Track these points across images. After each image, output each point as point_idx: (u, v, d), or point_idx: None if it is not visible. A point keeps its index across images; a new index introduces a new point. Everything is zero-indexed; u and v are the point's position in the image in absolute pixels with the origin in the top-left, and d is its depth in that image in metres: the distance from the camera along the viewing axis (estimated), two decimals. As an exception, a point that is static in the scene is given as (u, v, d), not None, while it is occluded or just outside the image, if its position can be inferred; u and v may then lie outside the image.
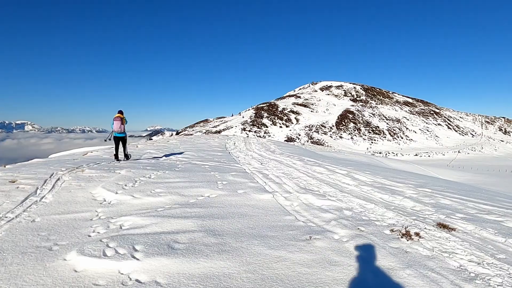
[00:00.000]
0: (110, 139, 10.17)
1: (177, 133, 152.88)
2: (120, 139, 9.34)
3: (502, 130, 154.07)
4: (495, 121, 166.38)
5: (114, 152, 9.24)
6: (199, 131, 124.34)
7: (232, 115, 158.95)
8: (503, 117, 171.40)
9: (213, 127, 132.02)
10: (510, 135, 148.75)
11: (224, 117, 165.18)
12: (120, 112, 9.34)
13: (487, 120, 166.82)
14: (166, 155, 11.07)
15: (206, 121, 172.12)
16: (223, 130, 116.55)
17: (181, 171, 7.29)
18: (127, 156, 9.49)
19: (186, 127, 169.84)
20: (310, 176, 7.62)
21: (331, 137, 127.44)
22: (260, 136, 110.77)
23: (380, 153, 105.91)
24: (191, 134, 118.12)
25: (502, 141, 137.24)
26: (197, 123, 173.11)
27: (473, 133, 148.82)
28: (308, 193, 5.49)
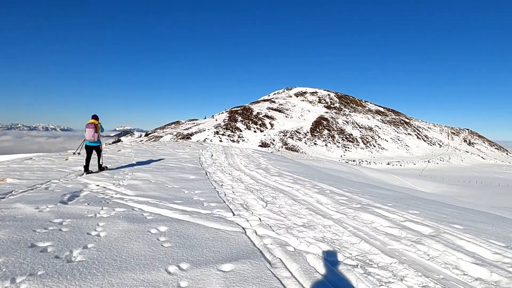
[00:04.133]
0: (79, 153, 10.03)
1: (147, 134, 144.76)
2: (93, 149, 8.36)
3: (466, 141, 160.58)
4: (460, 132, 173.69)
5: (85, 163, 8.07)
6: (170, 133, 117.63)
7: (205, 118, 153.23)
8: (467, 129, 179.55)
9: (184, 129, 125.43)
10: (474, 146, 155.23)
11: (196, 120, 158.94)
12: (95, 117, 8.38)
13: (453, 131, 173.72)
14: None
15: (177, 123, 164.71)
16: (195, 133, 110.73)
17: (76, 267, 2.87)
18: (101, 168, 8.52)
19: (156, 129, 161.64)
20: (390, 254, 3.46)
21: (306, 144, 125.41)
22: (234, 141, 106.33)
23: (353, 161, 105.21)
24: (161, 136, 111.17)
25: (467, 152, 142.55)
26: (168, 124, 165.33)
27: (441, 143, 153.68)
28: None
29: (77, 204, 4.48)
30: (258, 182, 8.14)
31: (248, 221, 4.42)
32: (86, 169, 8.00)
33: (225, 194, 6.23)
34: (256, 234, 3.87)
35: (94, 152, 8.41)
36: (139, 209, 4.51)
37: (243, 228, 4.02)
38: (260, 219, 4.63)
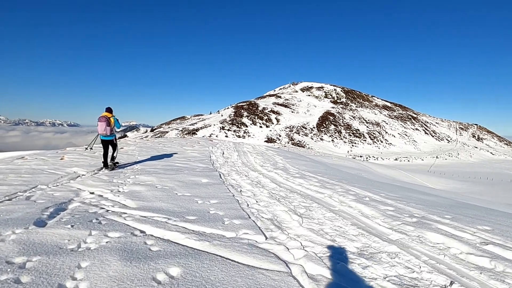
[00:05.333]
0: (91, 148, 10.12)
1: (152, 130, 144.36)
2: (107, 143, 7.96)
3: (475, 136, 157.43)
4: (469, 127, 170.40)
5: (102, 159, 7.84)
6: (176, 129, 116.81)
7: (211, 113, 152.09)
8: (475, 124, 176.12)
9: (190, 124, 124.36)
10: (482, 142, 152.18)
11: (202, 115, 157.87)
12: (108, 110, 7.94)
13: (461, 126, 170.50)
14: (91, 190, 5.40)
15: (183, 118, 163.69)
16: (201, 128, 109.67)
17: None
18: (113, 164, 8.03)
19: (162, 124, 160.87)
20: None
21: (312, 139, 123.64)
22: (239, 136, 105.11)
23: (360, 156, 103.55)
24: (167, 132, 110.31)
25: (476, 147, 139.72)
26: (173, 120, 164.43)
27: (449, 139, 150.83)
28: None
29: (58, 225, 3.34)
30: (281, 187, 6.96)
31: (288, 249, 3.25)
32: (105, 165, 7.78)
33: (248, 205, 5.06)
34: (307, 275, 2.70)
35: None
36: (141, 232, 3.36)
37: (286, 264, 2.85)
38: (301, 244, 3.46)
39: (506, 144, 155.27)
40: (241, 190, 6.21)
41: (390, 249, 3.55)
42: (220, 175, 7.81)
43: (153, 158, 10.30)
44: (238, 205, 4.93)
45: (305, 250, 3.28)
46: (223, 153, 12.77)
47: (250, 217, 4.31)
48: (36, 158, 8.86)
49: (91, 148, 10.88)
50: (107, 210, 4.20)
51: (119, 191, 5.43)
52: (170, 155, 11.18)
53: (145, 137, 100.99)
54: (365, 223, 4.57)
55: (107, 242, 2.97)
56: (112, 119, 7.85)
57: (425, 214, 5.18)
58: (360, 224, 4.50)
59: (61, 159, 8.78)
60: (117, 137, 8.47)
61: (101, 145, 8.14)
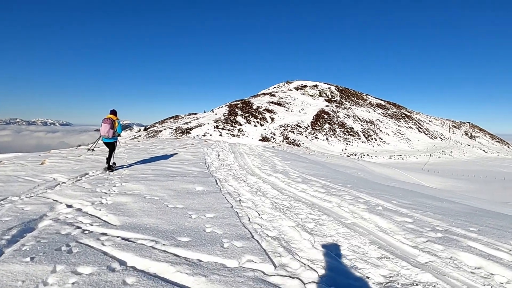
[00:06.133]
0: (93, 149, 10.06)
1: (146, 129, 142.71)
2: (108, 145, 7.81)
3: (468, 134, 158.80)
4: (461, 125, 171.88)
5: (106, 161, 7.78)
6: (169, 128, 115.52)
7: (205, 112, 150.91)
8: (468, 122, 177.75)
9: (184, 123, 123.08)
10: (475, 140, 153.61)
11: (195, 114, 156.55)
12: (113, 112, 7.84)
13: (454, 124, 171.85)
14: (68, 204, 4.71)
15: (176, 117, 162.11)
16: (195, 127, 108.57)
17: None
18: (110, 167, 7.74)
19: (155, 123, 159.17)
20: None
21: (307, 138, 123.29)
22: (234, 135, 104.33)
23: (355, 155, 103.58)
24: (160, 131, 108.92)
25: (469, 145, 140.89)
26: (167, 118, 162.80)
27: (442, 137, 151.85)
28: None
29: (14, 258, 2.65)
30: (283, 194, 6.33)
31: (304, 284, 2.62)
32: (108, 167, 7.78)
33: (249, 219, 4.42)
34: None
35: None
36: (121, 264, 2.70)
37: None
38: (319, 275, 2.83)
39: (498, 142, 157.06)
40: (240, 200, 5.57)
41: (424, 278, 2.94)
42: (216, 181, 7.15)
43: (144, 161, 9.60)
44: (238, 220, 4.28)
45: (325, 285, 2.65)
46: (219, 155, 12.10)
47: (253, 236, 3.67)
48: (14, 162, 8.09)
49: (93, 150, 10.46)
50: (83, 231, 3.52)
51: (102, 203, 4.75)
52: (161, 158, 10.48)
53: (138, 136, 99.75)
54: (385, 241, 3.97)
55: (73, 283, 2.30)
56: (116, 122, 7.78)
57: (448, 227, 4.60)
58: (379, 242, 3.90)
59: (42, 163, 8.03)
60: (117, 141, 8.28)
61: (104, 147, 8.19)
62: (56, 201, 4.79)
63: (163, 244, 3.21)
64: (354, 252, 3.50)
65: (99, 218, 4.05)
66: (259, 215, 4.68)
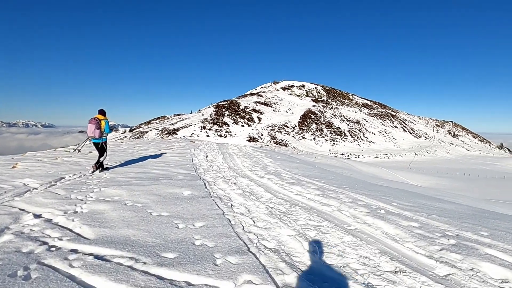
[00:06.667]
0: (79, 150, 9.95)
1: (131, 130, 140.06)
2: (96, 146, 7.57)
3: (451, 133, 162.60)
4: (445, 124, 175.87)
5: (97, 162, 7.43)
6: (155, 129, 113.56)
7: (191, 112, 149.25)
8: (451, 121, 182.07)
9: (170, 124, 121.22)
10: (458, 138, 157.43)
11: (182, 114, 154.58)
12: (101, 112, 7.52)
13: (437, 123, 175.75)
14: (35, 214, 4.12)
15: (163, 118, 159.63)
16: (182, 128, 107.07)
17: None
18: (100, 166, 7.45)
19: (141, 124, 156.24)
20: None
21: (294, 138, 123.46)
22: (221, 136, 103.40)
23: (342, 154, 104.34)
24: (146, 132, 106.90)
25: (452, 144, 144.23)
26: (153, 119, 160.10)
27: (426, 136, 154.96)
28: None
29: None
30: (278, 197, 5.88)
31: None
32: (97, 167, 7.56)
33: (243, 228, 3.95)
34: None
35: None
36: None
37: None
38: (330, 297, 2.39)
39: (480, 141, 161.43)
40: (231, 205, 5.08)
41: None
42: (205, 184, 6.64)
43: (127, 163, 8.98)
44: (231, 229, 3.81)
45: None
46: (207, 156, 11.55)
47: (249, 249, 3.21)
48: (-19, 166, 7.35)
49: (79, 151, 10.08)
50: (50, 247, 2.98)
51: (76, 212, 4.19)
52: (146, 160, 9.88)
53: (124, 137, 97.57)
54: (396, 250, 3.57)
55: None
56: (103, 122, 7.46)
57: (458, 231, 4.26)
58: (390, 251, 3.49)
59: (13, 167, 7.33)
60: (107, 142, 7.91)
61: (93, 148, 7.93)
62: (23, 210, 4.20)
63: (144, 263, 2.70)
64: (365, 265, 3.08)
65: (71, 230, 3.50)
66: (254, 222, 4.22)
